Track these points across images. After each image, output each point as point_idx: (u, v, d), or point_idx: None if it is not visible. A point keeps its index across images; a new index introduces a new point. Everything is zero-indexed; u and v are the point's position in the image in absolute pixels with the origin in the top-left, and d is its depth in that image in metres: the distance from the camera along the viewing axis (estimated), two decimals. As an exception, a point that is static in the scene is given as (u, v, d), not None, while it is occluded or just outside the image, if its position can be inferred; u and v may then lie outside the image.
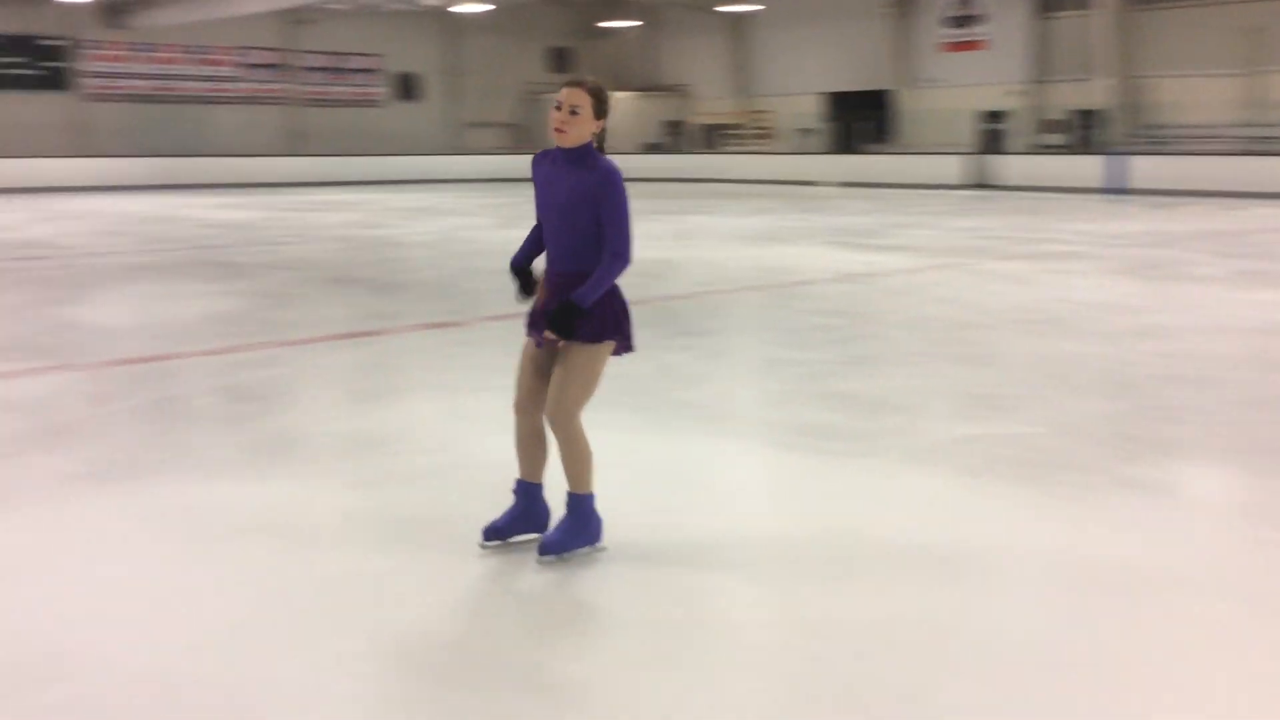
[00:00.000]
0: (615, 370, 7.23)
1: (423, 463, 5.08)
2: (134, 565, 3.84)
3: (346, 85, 36.22)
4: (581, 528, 3.83)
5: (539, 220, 3.82)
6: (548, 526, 3.92)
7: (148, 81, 32.79)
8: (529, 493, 3.92)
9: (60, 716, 2.84)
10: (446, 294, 10.62)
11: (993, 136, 32.45)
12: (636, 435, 5.53)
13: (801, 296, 10.47)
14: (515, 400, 3.86)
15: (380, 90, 37.06)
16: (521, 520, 3.92)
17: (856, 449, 5.26)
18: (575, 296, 3.58)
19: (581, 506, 3.82)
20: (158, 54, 32.82)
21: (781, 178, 32.44)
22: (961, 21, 33.63)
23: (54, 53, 30.90)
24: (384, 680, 3.04)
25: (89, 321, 9.19)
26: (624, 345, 3.78)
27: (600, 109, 3.65)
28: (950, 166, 30.31)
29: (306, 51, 35.21)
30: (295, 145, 34.22)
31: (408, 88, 37.15)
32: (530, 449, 3.88)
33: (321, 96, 35.78)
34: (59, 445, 5.37)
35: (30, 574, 3.79)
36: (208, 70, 33.85)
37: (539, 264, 3.87)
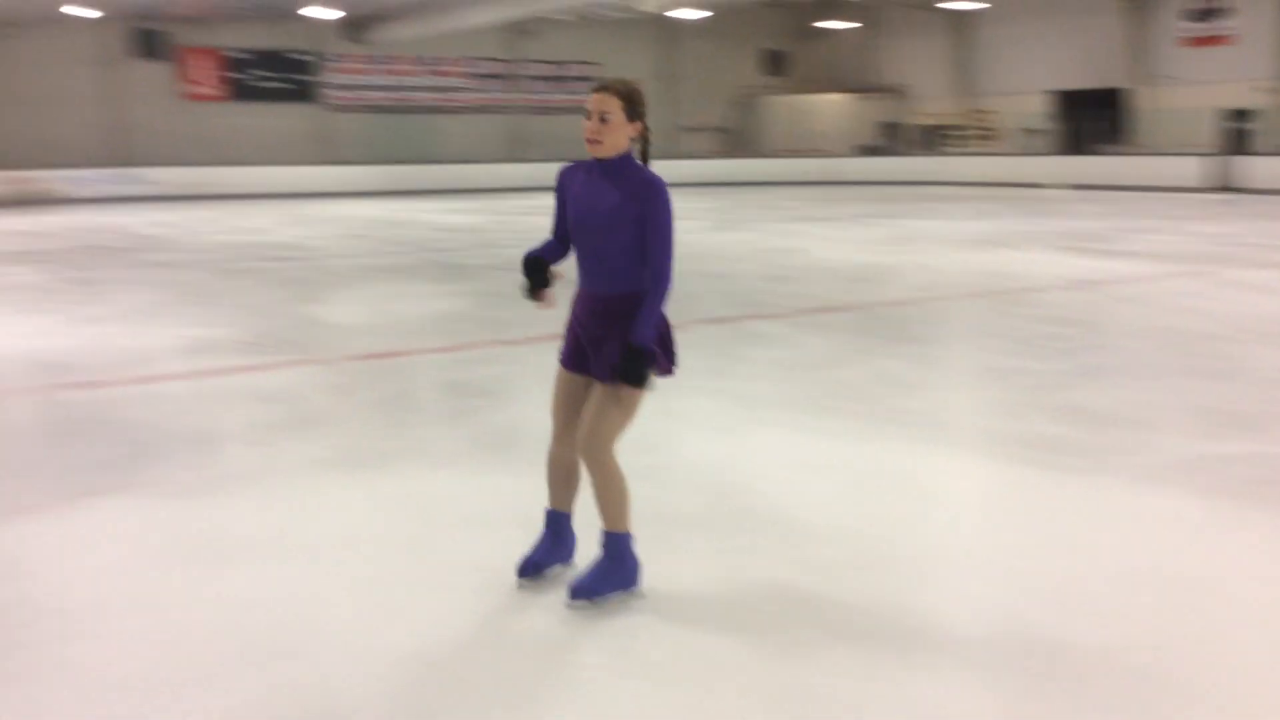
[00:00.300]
0: (828, 374, 7.16)
1: (635, 462, 5.17)
2: (374, 550, 4.10)
3: (566, 93, 37.25)
4: (616, 570, 3.54)
5: (570, 240, 3.51)
6: (572, 557, 3.75)
7: (384, 92, 34.71)
8: (559, 522, 3.71)
9: (301, 692, 3.07)
10: (661, 297, 10.77)
11: (1238, 136, 30.22)
12: (847, 442, 5.47)
13: (1027, 304, 10.08)
14: (553, 431, 3.62)
15: (599, 97, 37.97)
16: (555, 551, 3.72)
17: (1085, 465, 5.02)
18: (636, 339, 3.29)
19: (617, 547, 3.53)
20: (393, 66, 34.70)
21: (1005, 180, 31.25)
22: (1205, 15, 31.49)
23: (301, 67, 33.14)
24: (599, 670, 3.14)
25: (331, 318, 9.83)
26: (665, 368, 3.48)
27: (633, 111, 3.35)
28: (1190, 168, 28.45)
29: (529, 61, 36.45)
30: (517, 152, 35.49)
31: (625, 94, 37.91)
32: (564, 478, 3.66)
33: (542, 104, 36.96)
34: (307, 433, 5.79)
35: (278, 553, 4.10)
36: (438, 81, 35.56)
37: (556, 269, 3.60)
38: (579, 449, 3.45)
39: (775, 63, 39.33)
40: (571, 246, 3.52)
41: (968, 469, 5.08)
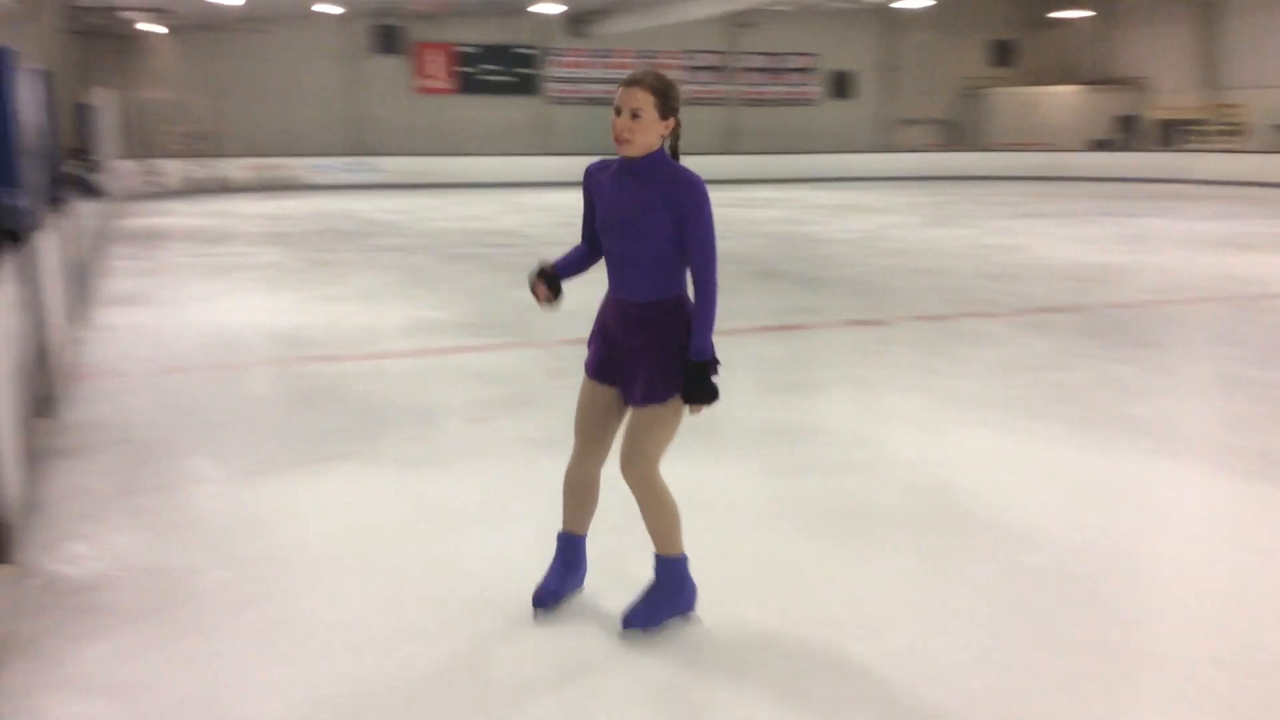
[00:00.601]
0: (1047, 376, 6.88)
1: (841, 456, 5.14)
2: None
3: (782, 85, 37.01)
4: (673, 596, 3.31)
5: (599, 244, 3.28)
6: (583, 583, 3.54)
7: (601, 85, 35.41)
8: (574, 546, 3.48)
9: (503, 649, 3.20)
10: (869, 291, 10.60)
11: None
12: (1065, 447, 5.24)
13: (1272, 310, 9.36)
14: (575, 450, 3.37)
15: (815, 89, 37.53)
16: (571, 578, 3.49)
17: (1333, 485, 4.64)
18: (695, 354, 3.07)
19: (672, 572, 3.30)
20: (611, 59, 35.37)
21: (1252, 179, 29.04)
22: None
23: (526, 60, 34.25)
24: (802, 660, 3.14)
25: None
26: None
27: (666, 107, 3.07)
28: None
29: (745, 53, 36.41)
30: (730, 144, 35.55)
31: (842, 85, 37.32)
32: (582, 499, 3.43)
33: (758, 96, 36.85)
34: (521, 412, 6.01)
35: (491, 522, 4.29)
36: (655, 73, 36.02)
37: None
38: (624, 472, 3.19)
39: (1003, 53, 37.85)
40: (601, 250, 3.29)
41: (1196, 482, 4.78)
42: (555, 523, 4.10)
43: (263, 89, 29.56)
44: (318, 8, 28.03)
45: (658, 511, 3.22)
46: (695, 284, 3.08)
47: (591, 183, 3.25)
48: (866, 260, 13.18)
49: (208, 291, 10.54)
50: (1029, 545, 3.98)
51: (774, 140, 36.11)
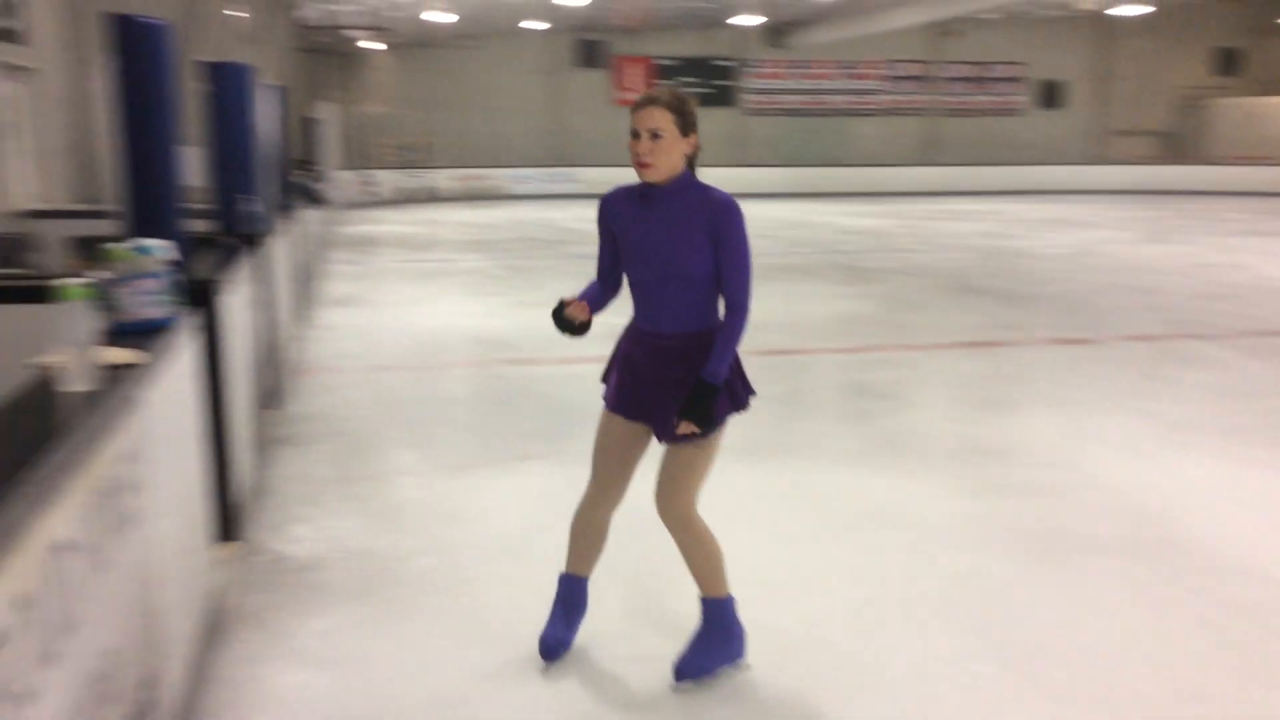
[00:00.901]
0: (1270, 403, 6.47)
1: (1044, 478, 4.97)
2: (770, 536, 4.25)
3: (987, 94, 35.93)
4: (723, 640, 3.10)
5: (619, 277, 3.09)
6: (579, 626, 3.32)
7: (798, 96, 35.25)
8: (578, 589, 3.28)
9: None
10: (1077, 309, 10.16)
11: None
12: (1295, 480, 4.91)
13: None
14: (591, 485, 3.17)
15: (1021, 99, 36.29)
16: (575, 622, 3.28)
17: None
18: (708, 375, 2.86)
19: (721, 615, 3.10)
20: (810, 70, 35.15)
21: None
22: None
23: (724, 73, 34.46)
24: (998, 684, 3.06)
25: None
26: (742, 401, 3.02)
27: (686, 123, 2.88)
28: None
29: (949, 62, 35.52)
30: (929, 155, 34.75)
31: (1050, 95, 35.94)
32: (591, 540, 3.24)
33: (961, 106, 35.89)
34: (711, 420, 6.07)
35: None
36: (854, 84, 35.57)
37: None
38: (661, 512, 3.00)
39: (1227, 61, 35.62)
40: (625, 282, 3.08)
41: None
42: (747, 529, 4.12)
43: (470, 103, 30.81)
44: (525, 24, 29.05)
45: (699, 551, 3.03)
46: (728, 308, 2.89)
47: (610, 214, 3.01)
48: (1074, 276, 12.64)
49: (415, 295, 11.07)
50: (1245, 579, 3.76)
51: (974, 151, 35.10)
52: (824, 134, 34.79)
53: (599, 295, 3.09)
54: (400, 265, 13.90)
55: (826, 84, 35.64)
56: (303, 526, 4.36)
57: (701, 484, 2.99)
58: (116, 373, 2.27)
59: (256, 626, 3.45)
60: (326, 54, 28.23)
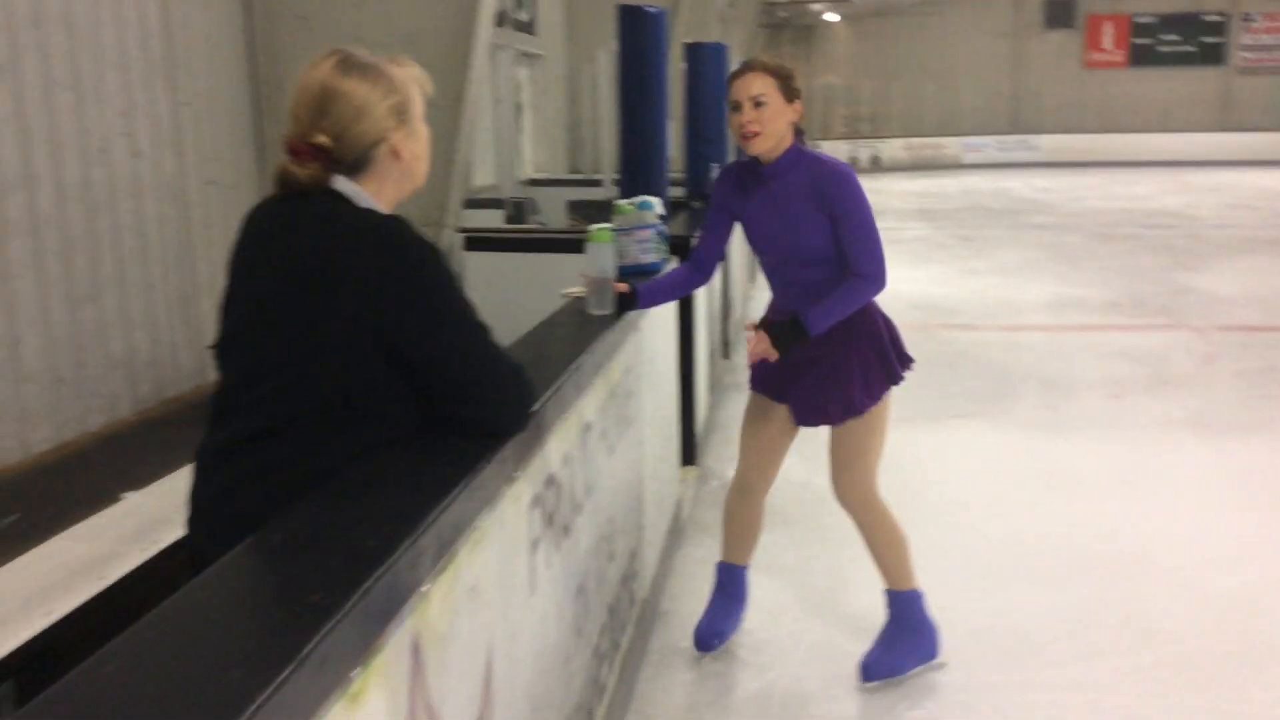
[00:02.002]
0: None
1: None
2: (1213, 506, 4.16)
3: None
4: (914, 638, 2.92)
5: (709, 265, 2.95)
6: (742, 617, 3.20)
7: (1305, 51, 31.20)
8: (736, 577, 3.16)
9: (1117, 608, 3.32)
10: None
11: None
12: None
13: None
14: (738, 474, 3.06)
15: None
16: (735, 613, 3.17)
17: None
18: (805, 319, 2.66)
19: (909, 610, 2.92)
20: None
21: None
22: None
23: (1212, 28, 31.27)
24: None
25: (1204, 287, 9.51)
26: (896, 377, 2.84)
27: (789, 88, 2.68)
28: None
29: None
30: None
31: None
32: (745, 526, 3.12)
33: None
34: (1162, 392, 5.90)
35: (1111, 489, 4.39)
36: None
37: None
38: (841, 499, 2.90)
39: None
40: (719, 267, 3.03)
41: None
42: (1185, 500, 4.10)
43: (924, 71, 30.44)
44: (989, -14, 28.19)
45: (884, 539, 2.90)
46: (854, 275, 2.69)
47: (726, 194, 2.88)
48: None
49: (861, 261, 11.39)
50: None
51: None
52: (1332, 93, 30.54)
53: (677, 284, 3.00)
54: (847, 232, 14.28)
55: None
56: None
57: (876, 463, 2.88)
58: (622, 302, 2.82)
59: (709, 536, 3.98)
60: (786, 28, 29.17)
